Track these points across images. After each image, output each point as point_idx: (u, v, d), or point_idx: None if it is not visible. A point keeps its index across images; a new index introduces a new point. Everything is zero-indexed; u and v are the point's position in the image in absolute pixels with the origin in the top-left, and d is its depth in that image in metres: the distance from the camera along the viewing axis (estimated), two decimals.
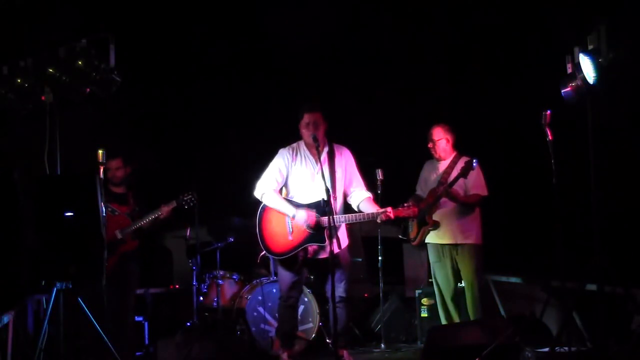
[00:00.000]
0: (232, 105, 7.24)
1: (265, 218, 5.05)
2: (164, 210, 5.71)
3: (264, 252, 5.16)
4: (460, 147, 5.74)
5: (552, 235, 4.60)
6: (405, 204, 4.90)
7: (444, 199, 5.49)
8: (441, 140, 5.65)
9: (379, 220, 4.96)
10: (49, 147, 4.47)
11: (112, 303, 5.21)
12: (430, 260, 5.77)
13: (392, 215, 4.86)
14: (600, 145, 4.53)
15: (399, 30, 6.99)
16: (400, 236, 5.90)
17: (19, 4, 5.78)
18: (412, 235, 5.70)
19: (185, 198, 5.77)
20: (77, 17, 5.87)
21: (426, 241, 5.66)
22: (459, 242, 5.54)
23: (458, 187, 5.45)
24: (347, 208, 5.16)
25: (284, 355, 5.22)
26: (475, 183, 5.51)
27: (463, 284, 5.64)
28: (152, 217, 5.69)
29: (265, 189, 5.05)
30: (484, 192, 5.55)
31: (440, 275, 5.68)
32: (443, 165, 5.66)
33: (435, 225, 5.52)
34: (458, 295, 5.67)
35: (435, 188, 5.56)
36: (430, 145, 5.70)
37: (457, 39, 6.89)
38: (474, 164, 5.31)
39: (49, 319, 4.35)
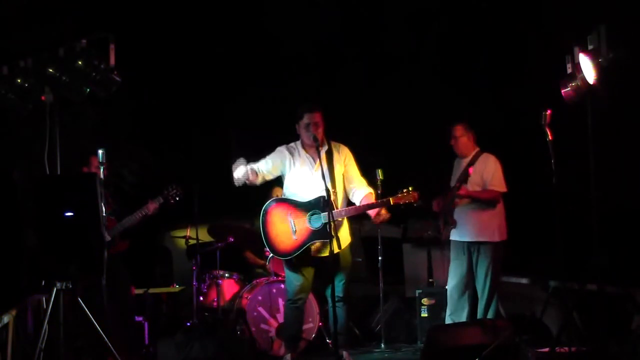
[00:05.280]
0: (231, 105, 7.24)
1: (268, 219, 5.03)
2: (151, 207, 5.68)
3: (271, 254, 5.13)
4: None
5: (553, 235, 4.60)
6: (405, 190, 4.91)
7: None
8: (462, 137, 5.69)
9: (378, 221, 5.02)
10: (49, 147, 4.45)
11: (110, 306, 5.18)
12: (450, 257, 5.78)
13: (386, 217, 5.00)
14: (600, 145, 4.53)
15: (400, 29, 6.99)
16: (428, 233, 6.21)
17: (19, 4, 5.79)
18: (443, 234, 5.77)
19: (170, 192, 5.75)
20: (77, 17, 5.87)
21: (450, 238, 5.70)
22: (475, 240, 5.54)
23: (475, 184, 5.49)
24: (349, 205, 5.14)
25: (288, 356, 5.22)
26: (493, 179, 5.53)
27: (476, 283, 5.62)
28: (139, 215, 5.64)
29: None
30: (502, 188, 5.54)
31: (455, 272, 5.67)
32: (465, 162, 5.70)
33: (454, 224, 5.56)
34: (471, 294, 5.63)
35: (453, 186, 5.59)
36: (452, 142, 5.73)
37: (458, 39, 6.90)
38: (469, 169, 5.42)
39: (49, 319, 4.34)
